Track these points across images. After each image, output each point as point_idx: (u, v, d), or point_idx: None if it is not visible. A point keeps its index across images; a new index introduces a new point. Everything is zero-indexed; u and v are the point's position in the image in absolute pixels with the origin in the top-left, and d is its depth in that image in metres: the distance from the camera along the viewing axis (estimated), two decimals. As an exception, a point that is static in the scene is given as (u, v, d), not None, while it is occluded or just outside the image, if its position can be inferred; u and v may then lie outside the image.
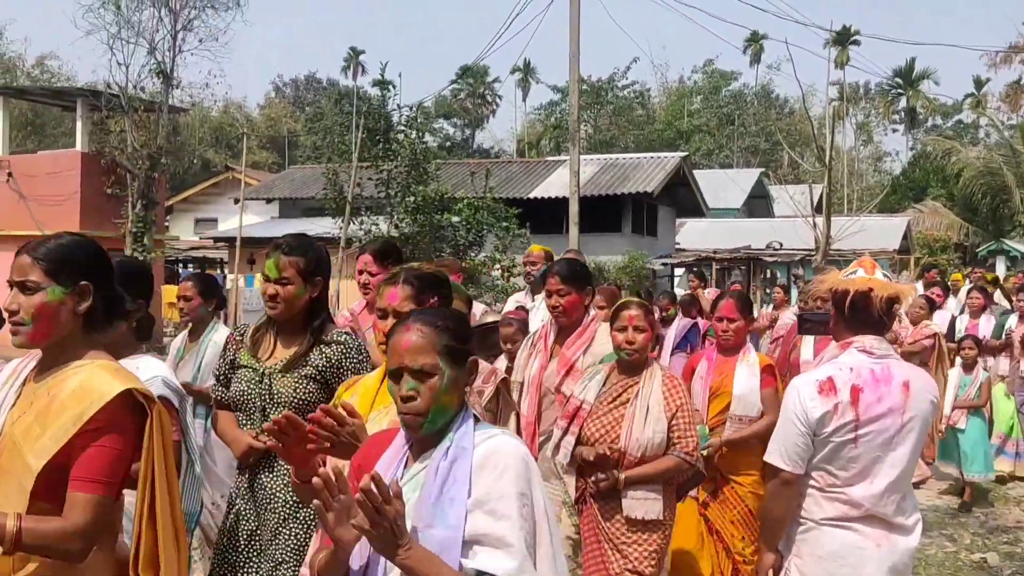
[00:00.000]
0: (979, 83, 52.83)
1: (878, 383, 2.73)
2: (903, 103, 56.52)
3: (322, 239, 15.71)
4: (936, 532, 6.36)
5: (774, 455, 2.79)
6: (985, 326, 8.33)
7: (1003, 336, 8.20)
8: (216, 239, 25.85)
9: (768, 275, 24.17)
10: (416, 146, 16.46)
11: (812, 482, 2.78)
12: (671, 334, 8.34)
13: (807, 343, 5.08)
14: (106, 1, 18.43)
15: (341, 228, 16.62)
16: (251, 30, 57.26)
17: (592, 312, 4.19)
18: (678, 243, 26.89)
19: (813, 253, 19.87)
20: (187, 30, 18.82)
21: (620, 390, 3.64)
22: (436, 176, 16.75)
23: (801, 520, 2.80)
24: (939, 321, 8.11)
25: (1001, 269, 25.47)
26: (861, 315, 2.80)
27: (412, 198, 15.65)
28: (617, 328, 3.65)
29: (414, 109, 17.66)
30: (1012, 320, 8.28)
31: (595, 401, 3.64)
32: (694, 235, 28.29)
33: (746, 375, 4.37)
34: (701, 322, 9.28)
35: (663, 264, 23.67)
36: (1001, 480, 7.56)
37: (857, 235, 20.65)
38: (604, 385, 3.68)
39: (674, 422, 3.53)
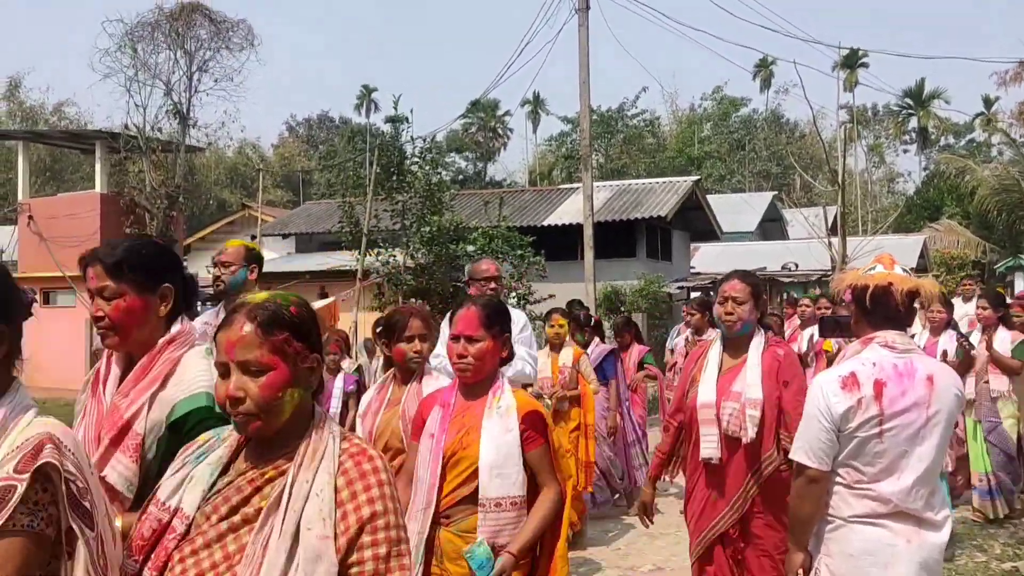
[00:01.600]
0: (988, 102, 52.80)
1: (901, 377, 2.73)
2: (914, 123, 56.50)
3: (340, 272, 15.81)
4: (966, 543, 6.28)
5: (799, 452, 2.79)
6: (947, 344, 6.84)
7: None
8: (234, 276, 26.01)
9: (784, 296, 24.10)
10: (430, 177, 16.63)
11: (839, 479, 2.77)
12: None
13: (707, 381, 3.61)
14: (123, 45, 18.86)
15: (358, 260, 16.76)
16: (264, 70, 58.23)
17: (177, 327, 2.28)
18: (693, 267, 26.88)
19: (829, 273, 19.84)
20: (202, 71, 19.20)
21: (248, 489, 1.73)
22: (450, 207, 16.88)
23: (829, 518, 2.79)
24: None
25: (1020, 285, 25.31)
26: (882, 310, 2.81)
27: (427, 228, 15.77)
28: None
29: (427, 140, 17.85)
30: (975, 336, 7.18)
31: (198, 511, 1.74)
32: (709, 259, 28.29)
33: (497, 431, 2.77)
34: (638, 349, 8.29)
35: (679, 288, 23.66)
36: (989, 521, 6.81)
37: (873, 254, 20.54)
38: (227, 475, 1.78)
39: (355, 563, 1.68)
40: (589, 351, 7.08)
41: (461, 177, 52.95)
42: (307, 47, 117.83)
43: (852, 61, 51.60)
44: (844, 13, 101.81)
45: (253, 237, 24.12)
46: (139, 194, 19.04)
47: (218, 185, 42.50)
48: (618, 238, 21.97)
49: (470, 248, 15.86)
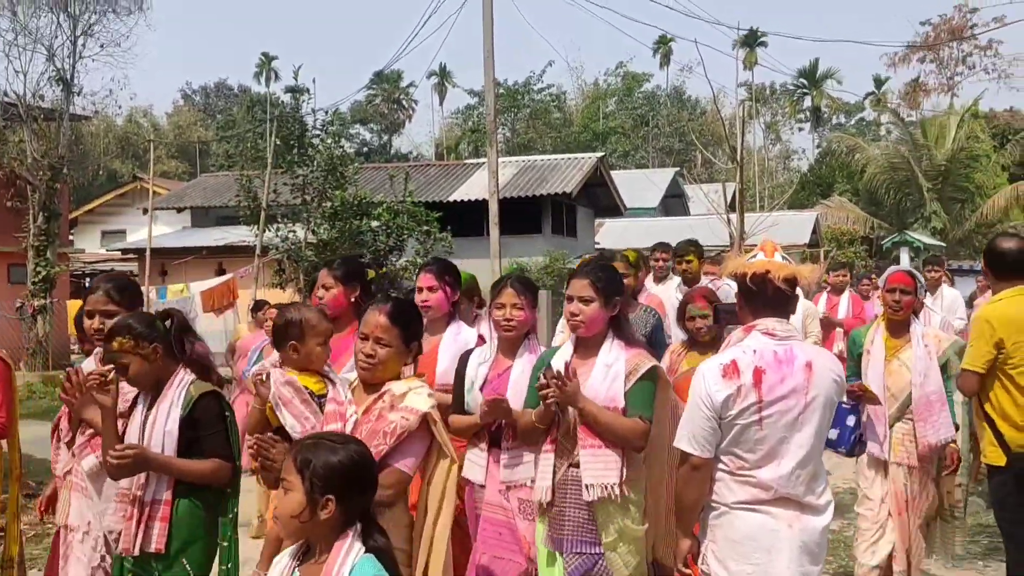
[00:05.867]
0: (879, 82, 55.08)
1: (781, 364, 2.77)
2: (808, 102, 58.41)
3: (238, 247, 15.30)
4: (854, 513, 6.48)
5: (682, 440, 2.82)
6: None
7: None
8: (125, 251, 25.03)
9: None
10: (332, 150, 16.26)
11: (722, 466, 2.81)
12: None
13: None
14: (1, 7, 17.72)
15: (257, 236, 16.30)
16: (156, 36, 55.78)
17: None
18: (598, 242, 27.19)
19: (728, 249, 20.37)
20: (87, 35, 18.22)
21: None
22: (354, 181, 16.58)
23: (714, 505, 2.83)
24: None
25: (905, 260, 26.51)
26: (761, 297, 2.85)
27: (329, 204, 15.46)
28: None
29: (328, 114, 17.41)
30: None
31: None
32: (613, 234, 28.67)
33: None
34: None
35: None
36: None
37: (769, 230, 21.25)
38: None
39: None
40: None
41: (366, 149, 52.07)
42: (203, 12, 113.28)
43: (751, 40, 52.85)
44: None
45: (145, 211, 23.16)
46: (20, 165, 17.99)
47: (108, 155, 40.58)
48: (524, 214, 22.01)
49: (374, 224, 15.63)
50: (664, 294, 6.56)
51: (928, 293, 8.35)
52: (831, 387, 2.84)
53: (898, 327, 4.51)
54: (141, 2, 18.64)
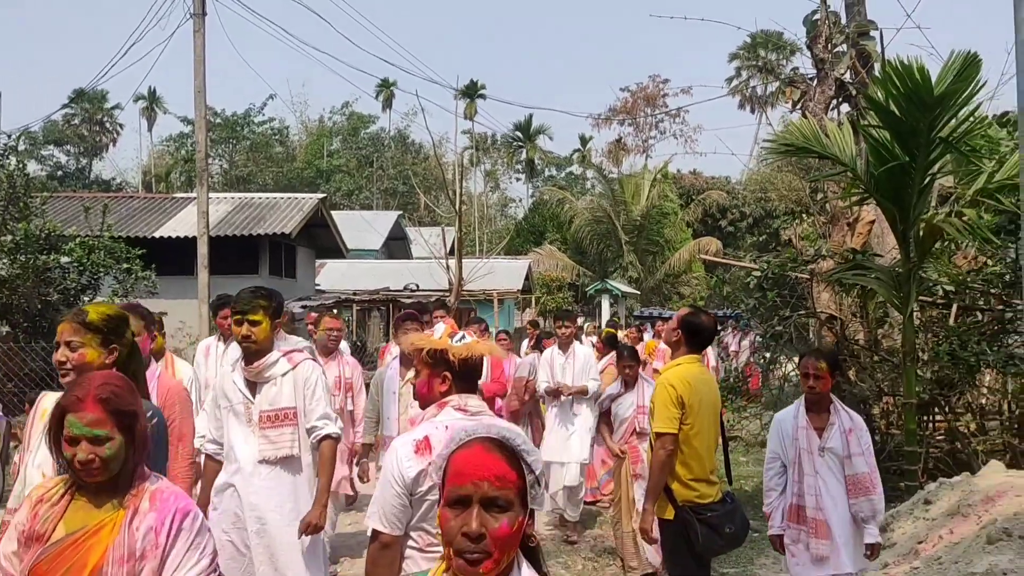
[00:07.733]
0: (584, 140, 59.93)
1: (470, 440, 2.85)
2: (524, 155, 62.10)
3: None
4: (552, 560, 6.86)
5: (374, 518, 2.79)
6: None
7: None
8: None
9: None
10: (16, 177, 14.61)
11: (412, 543, 2.81)
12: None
13: None
14: None
15: (-87, 271, 14.12)
16: None
17: None
18: (318, 284, 26.74)
19: (447, 293, 20.92)
20: None
21: None
22: (42, 211, 14.99)
23: (403, 582, 2.83)
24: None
25: (606, 306, 28.84)
26: (473, 376, 2.97)
27: (10, 236, 13.82)
28: None
29: (12, 137, 15.60)
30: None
31: None
32: (334, 276, 28.36)
33: None
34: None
35: (302, 307, 23.35)
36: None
37: (486, 276, 22.27)
38: None
39: None
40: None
41: (60, 173, 47.31)
42: None
43: (472, 92, 55.28)
44: (466, 48, 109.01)
45: None
46: None
47: None
48: (239, 254, 21.14)
49: (64, 260, 14.21)
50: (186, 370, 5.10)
51: (561, 351, 7.83)
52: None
53: None
54: None
